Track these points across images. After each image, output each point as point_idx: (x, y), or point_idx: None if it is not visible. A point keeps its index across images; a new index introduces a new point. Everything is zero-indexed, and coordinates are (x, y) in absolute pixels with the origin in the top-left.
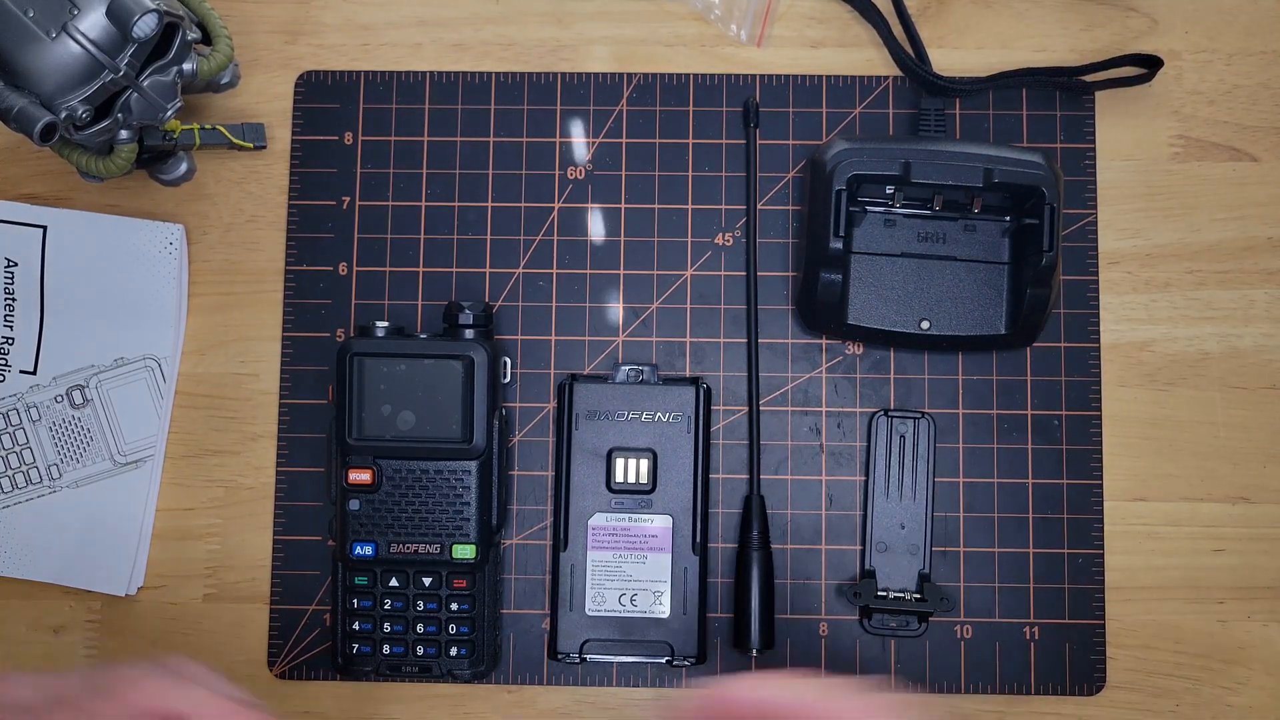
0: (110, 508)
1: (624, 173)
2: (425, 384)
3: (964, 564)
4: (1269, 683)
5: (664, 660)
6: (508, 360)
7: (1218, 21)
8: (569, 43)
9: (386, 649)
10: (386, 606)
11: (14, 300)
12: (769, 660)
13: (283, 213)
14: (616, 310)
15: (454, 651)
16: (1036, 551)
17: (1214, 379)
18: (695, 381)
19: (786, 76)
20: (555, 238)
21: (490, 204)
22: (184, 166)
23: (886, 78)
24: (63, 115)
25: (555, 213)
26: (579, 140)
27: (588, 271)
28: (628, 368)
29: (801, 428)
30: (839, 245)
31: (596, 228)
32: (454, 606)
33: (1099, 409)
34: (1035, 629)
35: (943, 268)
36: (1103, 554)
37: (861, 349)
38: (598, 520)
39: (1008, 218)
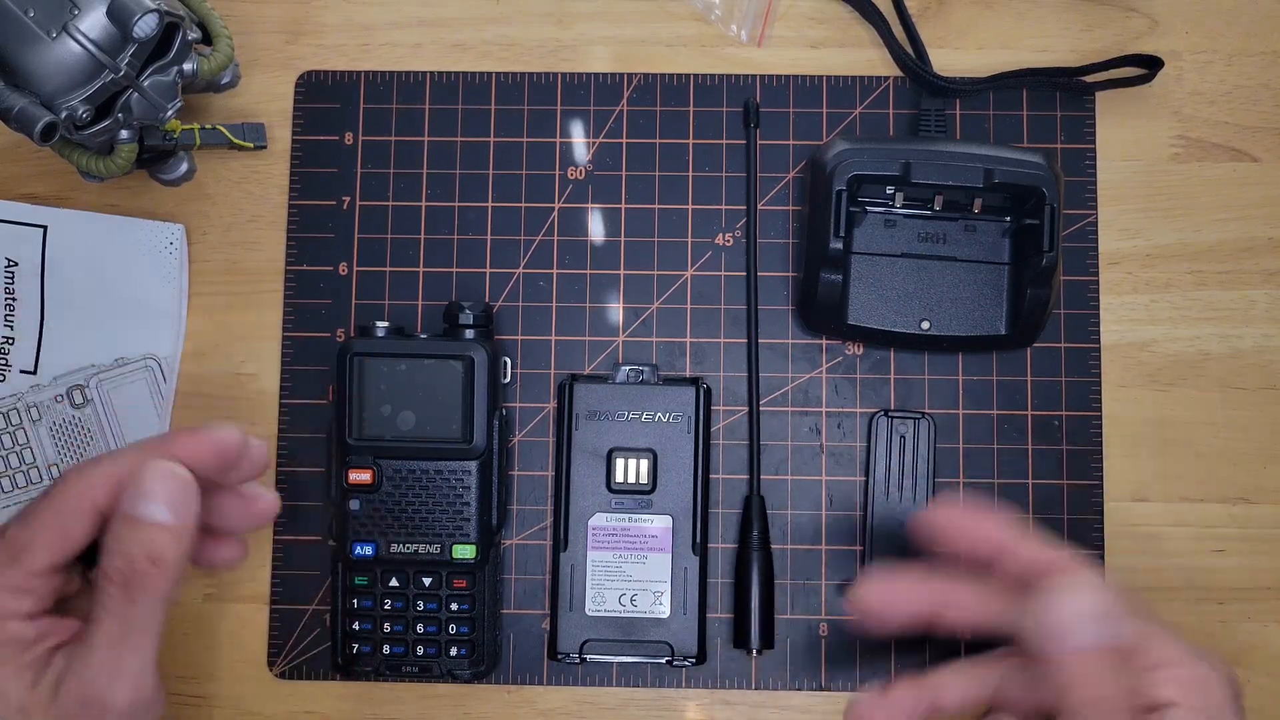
0: None
1: (624, 173)
2: (425, 384)
3: None
4: (1269, 683)
5: (664, 660)
6: (508, 360)
7: (1218, 22)
8: (569, 43)
9: (386, 649)
10: (386, 606)
11: (14, 300)
12: (769, 660)
13: (283, 213)
14: (616, 310)
15: (454, 651)
16: None
17: (1214, 379)
18: (695, 382)
19: (787, 77)
20: (555, 238)
21: (490, 204)
22: (184, 166)
23: (887, 78)
24: (63, 115)
25: (555, 213)
26: (579, 140)
27: (588, 272)
28: (628, 368)
29: (801, 428)
30: (839, 245)
31: (596, 228)
32: (454, 606)
33: (1099, 409)
34: None
35: (943, 268)
36: (1103, 554)
37: (861, 349)
38: (598, 520)
39: (1008, 218)
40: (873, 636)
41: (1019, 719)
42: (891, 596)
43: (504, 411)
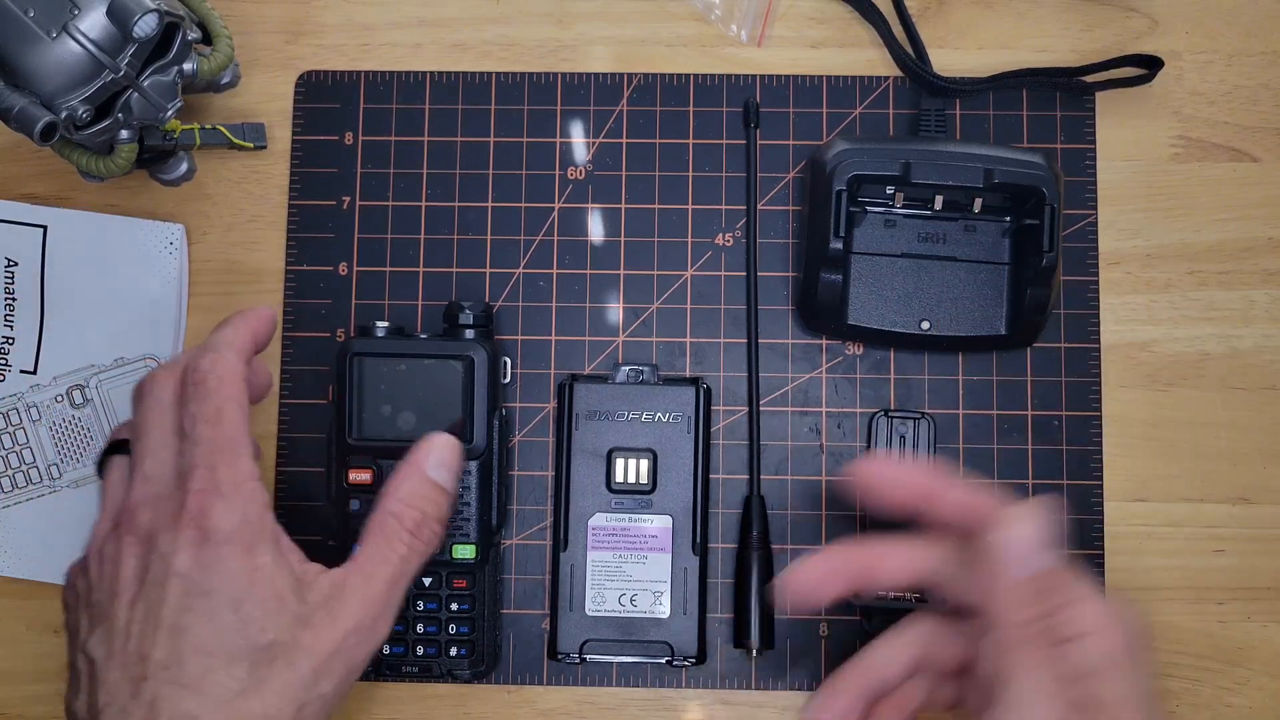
0: None
1: (624, 173)
2: (425, 384)
3: None
4: (1269, 683)
5: (664, 660)
6: (508, 360)
7: (1218, 22)
8: (569, 43)
9: (386, 649)
10: None
11: (14, 300)
12: (769, 660)
13: (283, 213)
14: (616, 310)
15: (454, 651)
16: None
17: (1214, 380)
18: (695, 381)
19: (787, 77)
20: (555, 238)
21: (490, 204)
22: (184, 166)
23: (887, 78)
24: (63, 115)
25: (555, 213)
26: (579, 140)
27: (588, 272)
28: (628, 368)
29: (801, 428)
30: (839, 245)
31: (596, 228)
32: (454, 606)
33: (1099, 410)
34: None
35: (943, 268)
36: (1103, 554)
37: (861, 349)
38: (598, 520)
39: (1008, 218)
40: (803, 610)
41: (940, 680)
42: (818, 576)
43: (504, 412)
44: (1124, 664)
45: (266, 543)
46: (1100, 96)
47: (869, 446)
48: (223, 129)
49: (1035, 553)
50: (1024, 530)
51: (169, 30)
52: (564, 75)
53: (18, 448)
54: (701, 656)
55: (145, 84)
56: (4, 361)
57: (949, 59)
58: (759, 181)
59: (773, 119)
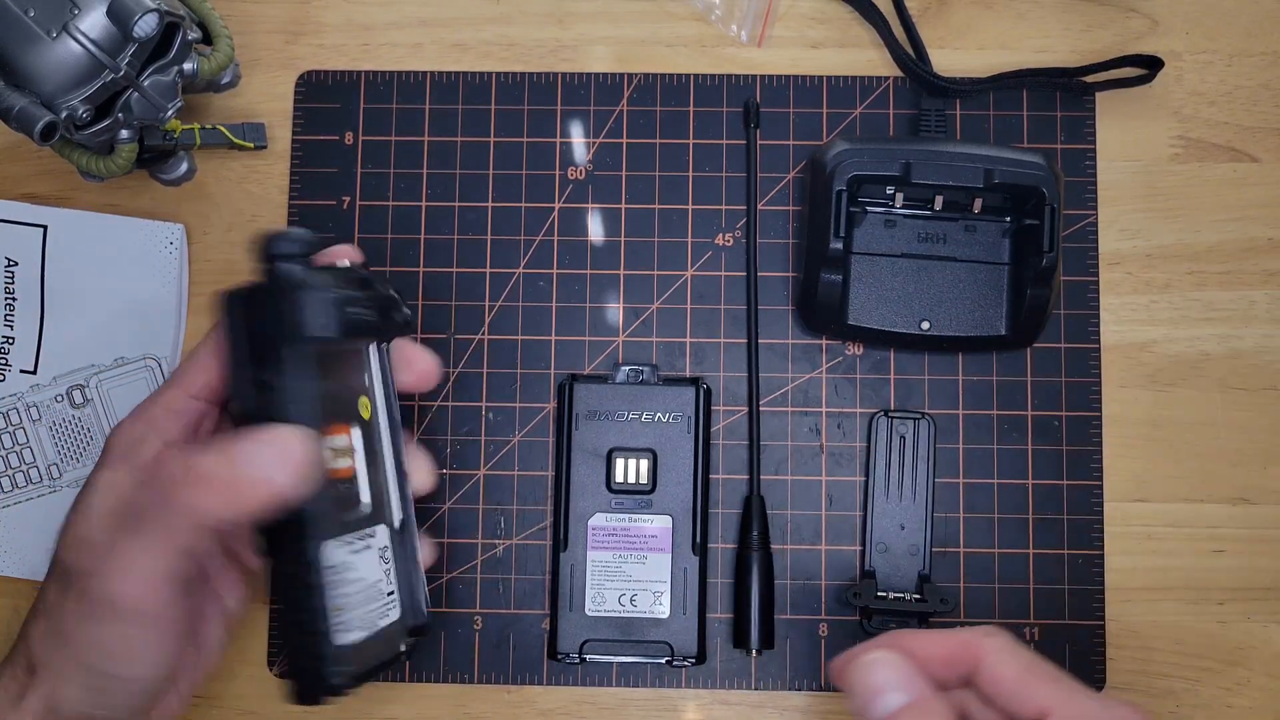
0: None
1: (624, 173)
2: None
3: (964, 565)
4: (1269, 684)
5: (664, 660)
6: (399, 295)
7: (1218, 22)
8: (569, 43)
9: None
10: None
11: (14, 300)
12: (769, 660)
13: (283, 213)
14: (616, 310)
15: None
16: (1036, 552)
17: (1214, 380)
18: (695, 382)
19: (787, 77)
20: (555, 238)
21: (490, 204)
22: (184, 166)
23: (887, 78)
24: (63, 115)
25: (555, 213)
26: (579, 140)
27: (588, 272)
28: (628, 368)
29: (801, 428)
30: (839, 246)
31: (596, 228)
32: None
33: (1099, 410)
34: (1035, 629)
35: (943, 268)
36: (1103, 554)
37: (862, 349)
38: (598, 520)
39: (1008, 218)
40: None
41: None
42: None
43: (386, 348)
44: None
45: None
46: (1100, 96)
47: (869, 447)
48: (223, 129)
49: (885, 694)
50: (868, 677)
51: (169, 30)
52: (564, 75)
53: (18, 448)
54: (701, 656)
55: (145, 84)
56: (4, 361)
57: (949, 59)
58: (759, 181)
59: (773, 119)
